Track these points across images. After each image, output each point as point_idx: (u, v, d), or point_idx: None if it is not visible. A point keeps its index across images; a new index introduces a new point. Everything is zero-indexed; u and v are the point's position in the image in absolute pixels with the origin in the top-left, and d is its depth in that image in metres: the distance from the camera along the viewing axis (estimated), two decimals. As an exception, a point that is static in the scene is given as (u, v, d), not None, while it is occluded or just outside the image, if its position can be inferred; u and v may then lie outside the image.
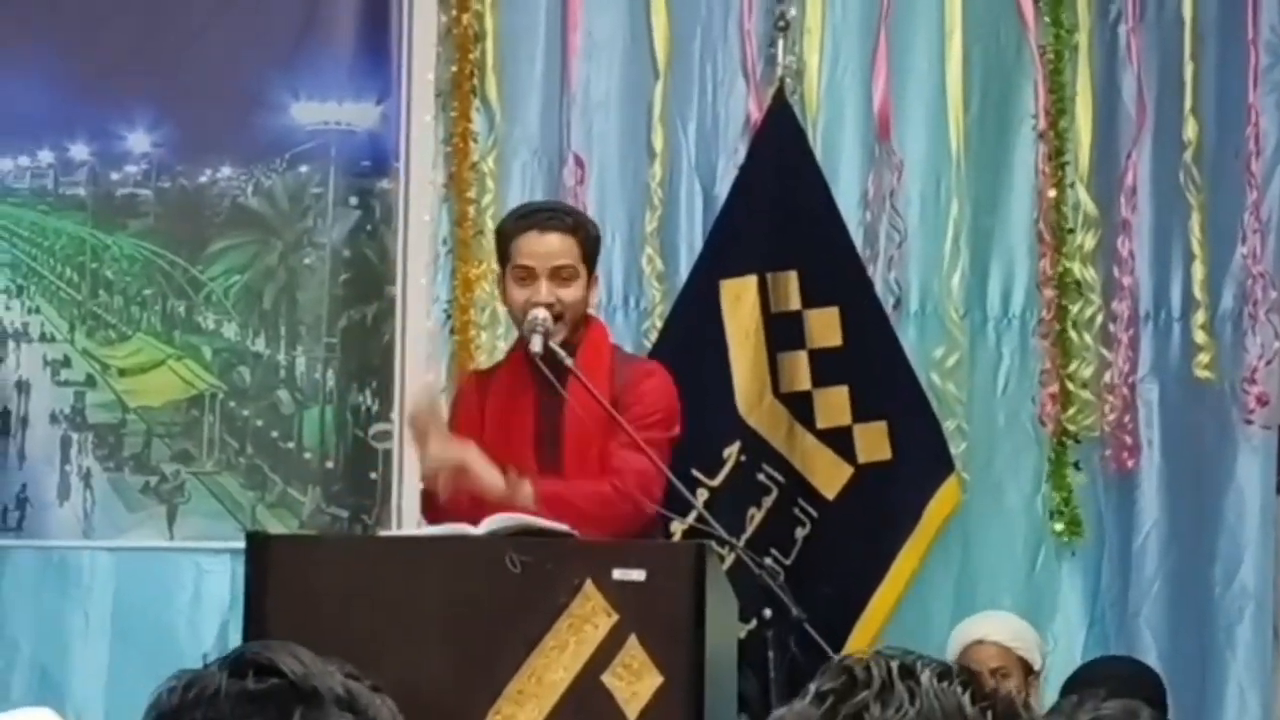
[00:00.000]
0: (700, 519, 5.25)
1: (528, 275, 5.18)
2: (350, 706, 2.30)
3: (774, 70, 6.58)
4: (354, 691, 2.30)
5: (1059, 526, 6.61)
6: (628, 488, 5.09)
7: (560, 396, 5.13)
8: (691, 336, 6.04)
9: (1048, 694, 5.68)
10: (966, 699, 1.85)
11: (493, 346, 6.15)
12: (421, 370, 6.39)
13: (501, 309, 5.90)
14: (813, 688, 1.90)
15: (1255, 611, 6.56)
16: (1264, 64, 6.76)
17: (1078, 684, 5.69)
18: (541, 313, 5.08)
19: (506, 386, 5.29)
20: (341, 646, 2.60)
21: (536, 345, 5.05)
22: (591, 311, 5.50)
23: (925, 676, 1.86)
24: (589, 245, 5.30)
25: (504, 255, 5.31)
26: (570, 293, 5.15)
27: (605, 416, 5.13)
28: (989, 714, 1.85)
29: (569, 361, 5.09)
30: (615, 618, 4.47)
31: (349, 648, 2.63)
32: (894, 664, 1.87)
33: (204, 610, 6.19)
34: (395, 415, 6.44)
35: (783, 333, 6.10)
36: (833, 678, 1.90)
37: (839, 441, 6.05)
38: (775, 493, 5.98)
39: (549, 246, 5.20)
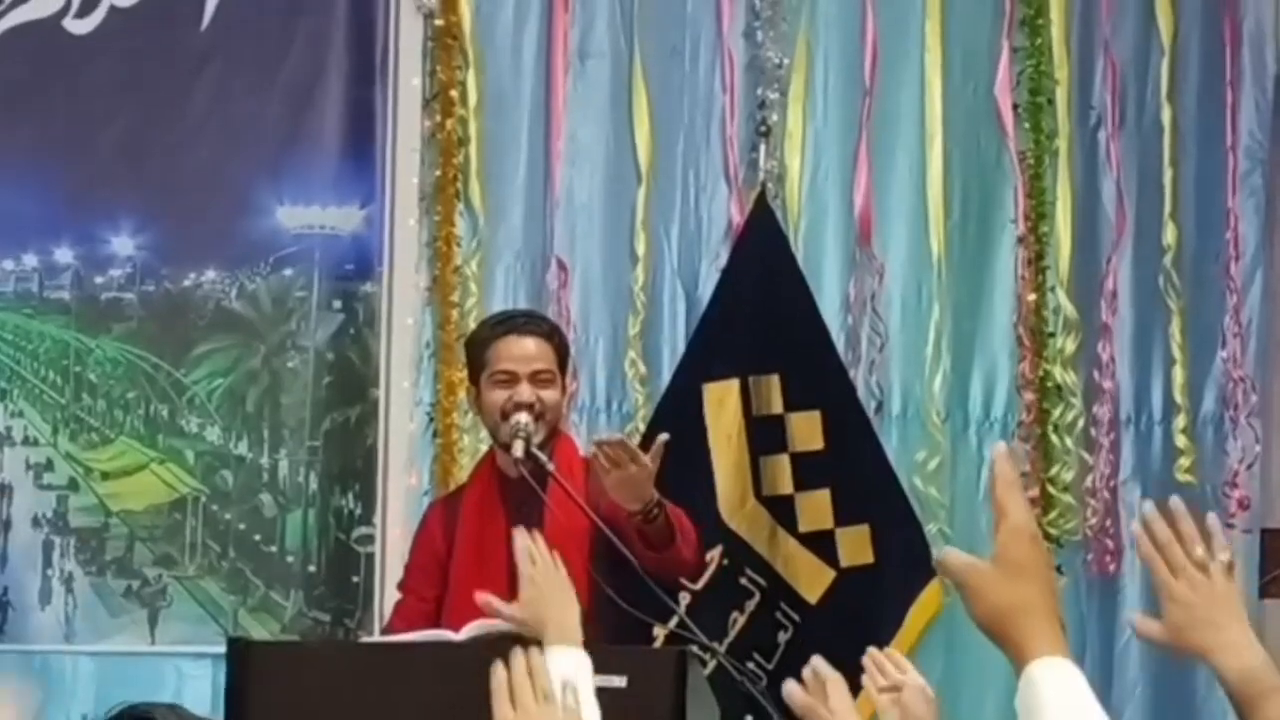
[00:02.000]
0: (682, 624, 5.12)
1: (509, 378, 5.19)
2: None
3: (756, 175, 6.62)
4: None
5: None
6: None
7: (535, 518, 4.98)
8: (674, 440, 6.01)
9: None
10: None
11: (475, 449, 6.11)
12: (404, 473, 6.43)
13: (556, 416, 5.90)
14: None
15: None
16: (1243, 169, 6.88)
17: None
18: (524, 417, 5.08)
19: (475, 511, 5.26)
20: None
21: (518, 450, 5.02)
22: (563, 423, 5.55)
23: None
24: (563, 351, 5.37)
25: (479, 363, 5.31)
26: (550, 395, 5.17)
27: (583, 534, 5.10)
28: None
29: (550, 465, 5.07)
30: None
31: None
32: None
33: (185, 715, 6.18)
34: (378, 519, 6.48)
35: (765, 436, 6.12)
36: None
37: (821, 545, 6.04)
38: (758, 597, 5.98)
39: (527, 350, 5.23)
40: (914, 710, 3.59)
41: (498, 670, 3.10)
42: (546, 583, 3.59)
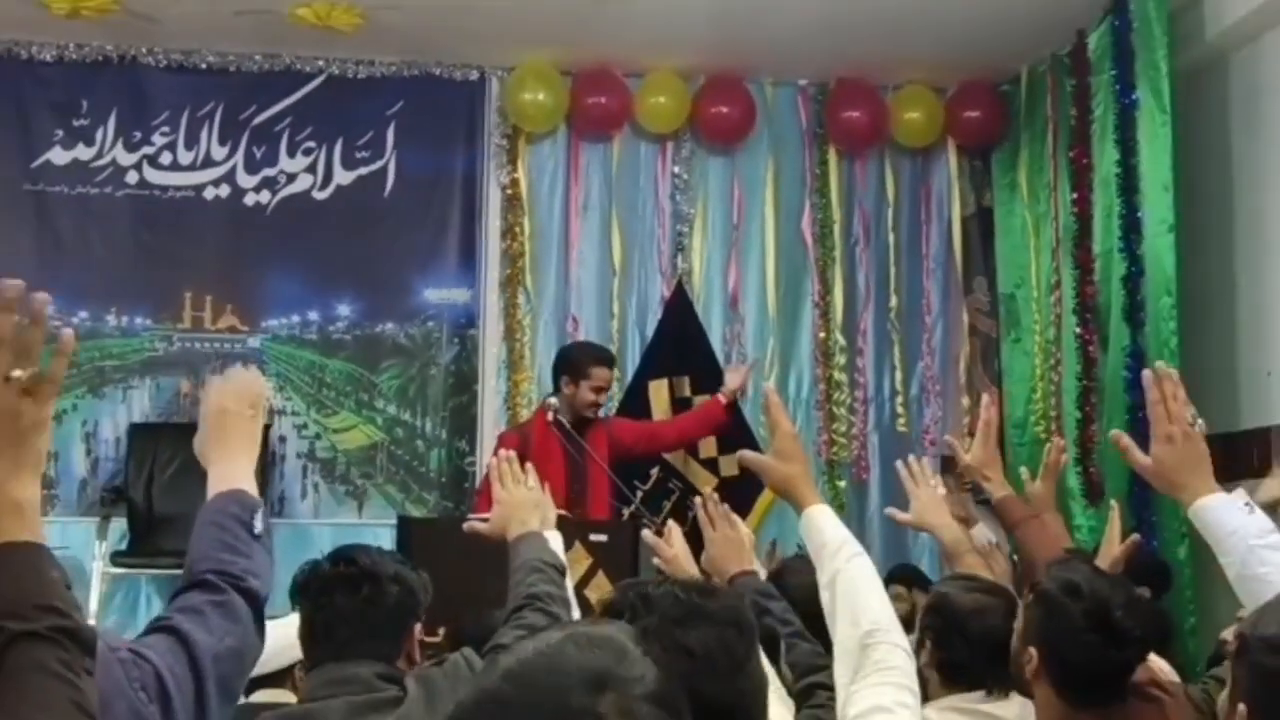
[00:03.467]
0: (637, 509, 5.30)
1: (600, 390, 5.31)
2: (397, 580, 2.44)
3: (676, 271, 6.59)
4: (400, 572, 2.45)
5: (831, 509, 6.65)
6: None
7: (579, 449, 5.13)
8: (634, 411, 5.99)
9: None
10: (676, 592, 1.77)
11: (525, 417, 5.98)
12: (491, 429, 6.27)
13: (534, 398, 5.91)
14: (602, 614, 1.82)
15: (929, 554, 6.49)
16: (932, 267, 6.91)
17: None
18: (554, 400, 5.21)
19: (541, 442, 5.16)
20: (448, 574, 2.75)
21: (550, 417, 5.18)
22: None
23: (653, 591, 1.78)
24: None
25: (582, 373, 5.28)
26: (603, 398, 5.36)
27: (610, 456, 5.21)
28: (692, 592, 1.77)
29: (567, 426, 5.15)
30: (591, 560, 4.52)
31: (451, 575, 2.77)
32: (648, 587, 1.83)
33: (379, 557, 6.21)
34: (477, 454, 6.38)
35: (681, 408, 5.99)
36: (622, 593, 1.88)
37: (711, 466, 5.96)
38: (677, 494, 5.89)
39: (607, 376, 5.39)
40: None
41: (491, 462, 3.00)
42: (510, 500, 2.90)
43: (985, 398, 3.33)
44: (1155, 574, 4.78)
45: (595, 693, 1.15)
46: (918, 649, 2.69)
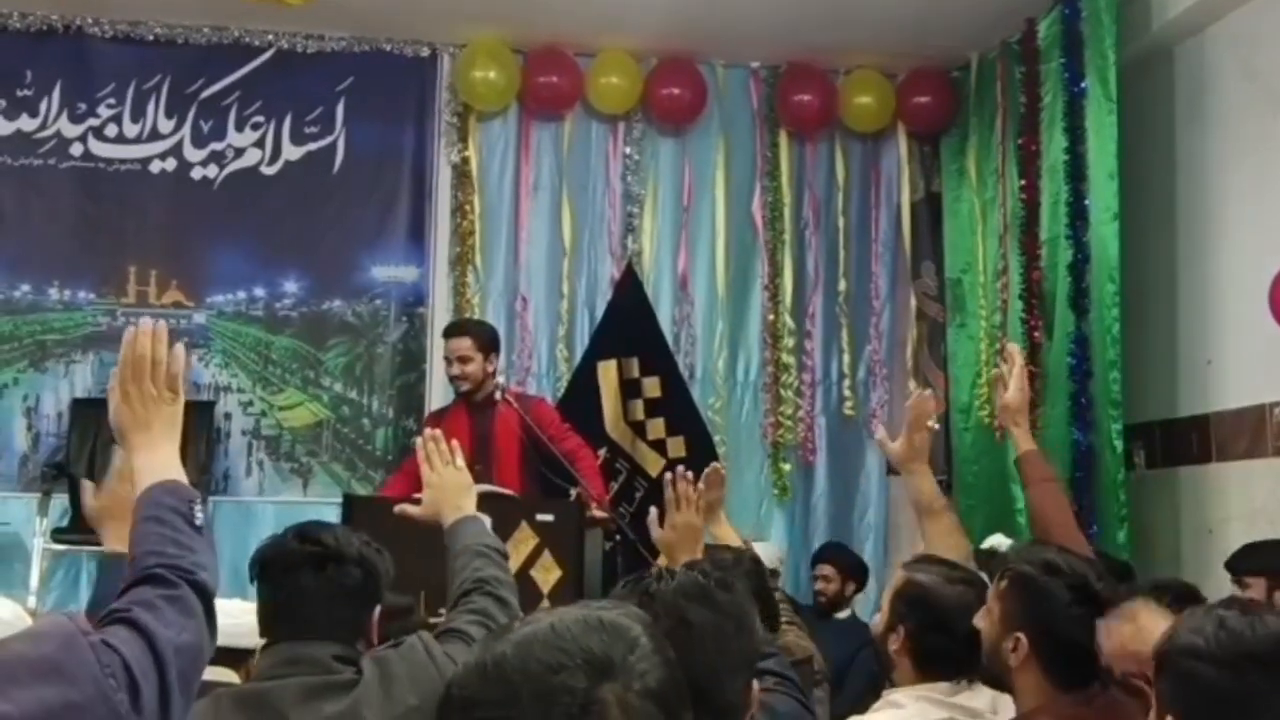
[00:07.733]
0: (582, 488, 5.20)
1: (449, 360, 5.42)
2: (360, 563, 2.41)
3: (626, 251, 6.60)
4: (364, 553, 2.43)
5: (776, 492, 6.65)
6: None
7: (486, 423, 5.23)
8: (583, 392, 6.01)
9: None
10: (698, 575, 1.83)
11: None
12: (438, 405, 6.07)
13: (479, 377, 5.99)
14: (621, 583, 1.90)
15: (874, 536, 6.69)
16: (880, 251, 6.90)
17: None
18: (463, 385, 5.37)
19: (453, 418, 5.28)
20: (393, 553, 2.74)
21: (497, 395, 5.27)
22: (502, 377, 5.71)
23: (679, 570, 1.85)
24: (479, 340, 5.41)
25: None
26: (468, 368, 5.35)
27: (516, 437, 5.21)
28: (711, 579, 1.82)
29: (514, 406, 5.24)
30: (537, 539, 4.52)
31: (396, 554, 2.76)
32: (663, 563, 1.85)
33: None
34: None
35: (630, 389, 5.99)
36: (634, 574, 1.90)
37: (659, 447, 5.93)
38: (624, 474, 5.89)
39: (453, 346, 5.41)
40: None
41: (418, 443, 2.91)
42: (441, 484, 2.82)
43: (1013, 350, 3.36)
44: (1117, 574, 4.80)
45: (596, 679, 1.16)
46: (887, 632, 2.64)
